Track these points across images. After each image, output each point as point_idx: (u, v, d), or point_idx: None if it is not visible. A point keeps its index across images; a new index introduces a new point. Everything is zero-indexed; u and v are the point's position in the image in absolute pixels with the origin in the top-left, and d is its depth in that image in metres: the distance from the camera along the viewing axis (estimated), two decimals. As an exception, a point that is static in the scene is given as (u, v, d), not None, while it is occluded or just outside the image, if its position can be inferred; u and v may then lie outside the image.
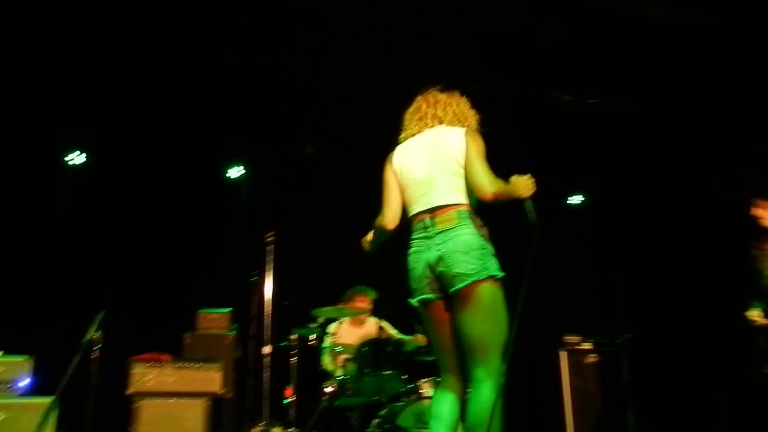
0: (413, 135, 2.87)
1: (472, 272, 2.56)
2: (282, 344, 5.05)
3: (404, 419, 4.19)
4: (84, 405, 3.95)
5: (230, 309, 5.11)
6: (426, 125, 2.85)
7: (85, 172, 5.68)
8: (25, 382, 3.87)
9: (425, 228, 2.68)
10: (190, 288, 5.54)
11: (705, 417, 5.89)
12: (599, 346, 5.88)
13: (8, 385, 3.79)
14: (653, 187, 6.46)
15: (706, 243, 6.15)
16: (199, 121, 5.77)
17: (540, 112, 5.99)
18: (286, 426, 4.88)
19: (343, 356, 4.69)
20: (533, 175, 2.63)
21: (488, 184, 2.59)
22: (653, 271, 6.46)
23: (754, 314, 4.10)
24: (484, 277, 2.57)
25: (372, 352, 4.55)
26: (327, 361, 4.96)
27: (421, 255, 2.68)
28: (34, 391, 3.88)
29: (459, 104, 2.92)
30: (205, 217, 5.90)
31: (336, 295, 5.02)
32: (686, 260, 6.25)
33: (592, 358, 5.85)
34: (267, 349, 4.48)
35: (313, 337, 5.02)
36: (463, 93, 2.98)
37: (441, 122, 2.84)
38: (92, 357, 3.90)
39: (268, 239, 4.61)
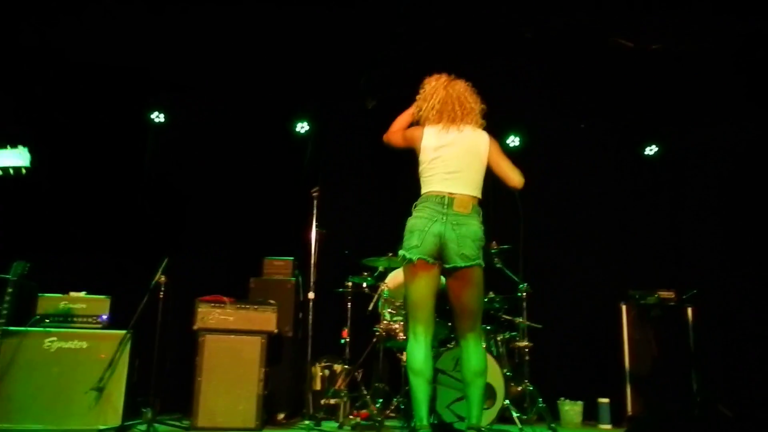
0: (446, 126, 3.35)
1: (475, 257, 3.21)
2: (339, 291, 5.42)
3: (443, 362, 4.42)
4: (153, 338, 4.48)
5: (292, 258, 5.52)
6: (458, 123, 3.36)
7: (166, 129, 6.25)
8: (104, 317, 4.45)
9: (442, 205, 3.21)
10: (256, 236, 5.99)
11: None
12: (663, 300, 5.80)
13: (91, 319, 4.41)
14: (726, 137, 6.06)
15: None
16: (270, 78, 6.10)
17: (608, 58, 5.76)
18: (344, 362, 5.30)
19: (393, 302, 4.96)
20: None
21: (518, 175, 3.40)
22: (726, 227, 6.14)
23: None
24: (479, 263, 3.24)
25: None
26: (380, 306, 5.25)
27: (433, 223, 3.20)
28: (111, 325, 4.45)
29: (477, 103, 3.46)
30: (272, 170, 6.29)
31: (386, 244, 5.24)
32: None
33: (654, 313, 5.78)
34: (311, 295, 4.84)
35: (365, 284, 5.36)
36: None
37: (470, 123, 3.39)
38: (160, 297, 4.40)
39: (314, 193, 4.90)
